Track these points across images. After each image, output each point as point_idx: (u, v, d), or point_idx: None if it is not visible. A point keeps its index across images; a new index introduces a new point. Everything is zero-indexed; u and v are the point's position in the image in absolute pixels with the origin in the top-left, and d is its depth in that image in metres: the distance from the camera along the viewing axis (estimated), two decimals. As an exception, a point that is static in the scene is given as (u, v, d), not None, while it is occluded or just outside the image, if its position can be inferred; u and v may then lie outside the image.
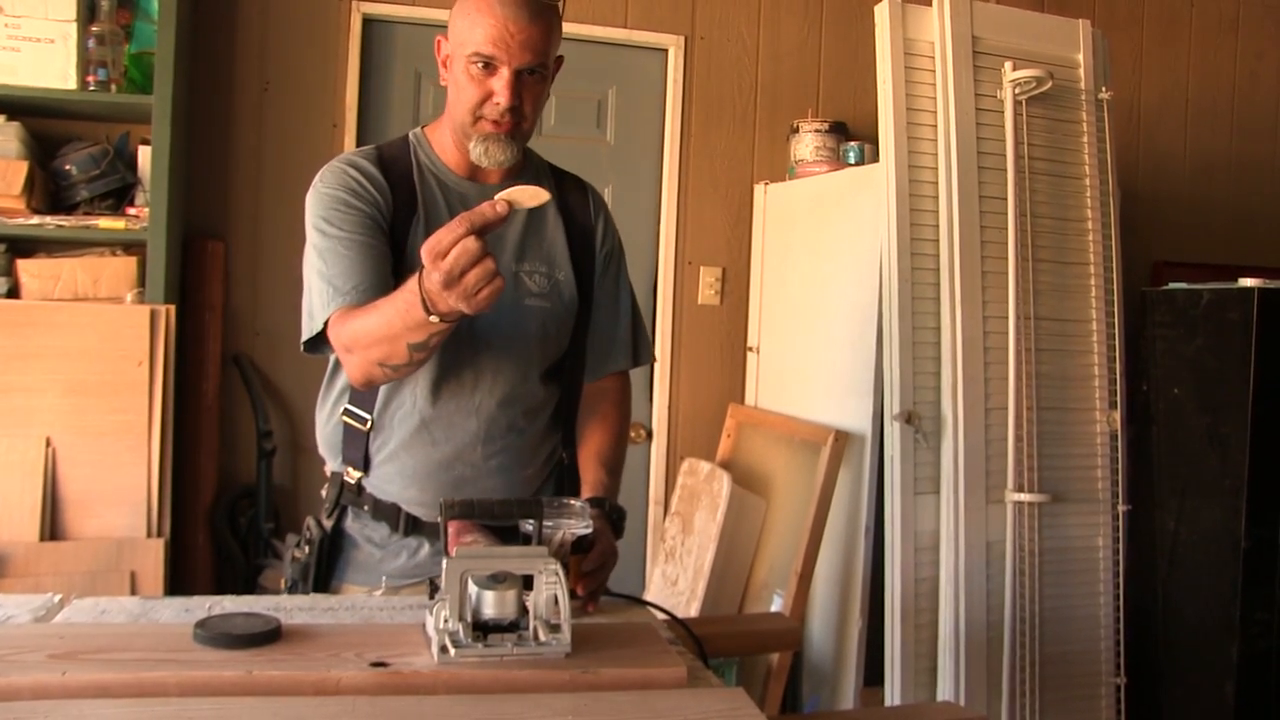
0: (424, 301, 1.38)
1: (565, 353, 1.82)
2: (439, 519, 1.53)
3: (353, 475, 1.76)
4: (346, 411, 1.76)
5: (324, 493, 1.82)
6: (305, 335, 1.67)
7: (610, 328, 1.88)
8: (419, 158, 1.76)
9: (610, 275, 1.88)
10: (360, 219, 1.66)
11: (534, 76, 1.65)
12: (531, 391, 1.77)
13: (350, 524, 1.78)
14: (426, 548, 1.73)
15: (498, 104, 1.63)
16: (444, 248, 1.31)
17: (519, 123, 1.66)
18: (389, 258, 1.66)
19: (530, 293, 1.75)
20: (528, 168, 1.83)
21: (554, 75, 1.73)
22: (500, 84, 1.62)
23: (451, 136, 1.74)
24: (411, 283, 1.40)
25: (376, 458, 1.75)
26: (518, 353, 1.74)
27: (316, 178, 1.72)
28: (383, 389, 1.71)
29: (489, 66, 1.62)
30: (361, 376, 1.60)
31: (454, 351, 1.69)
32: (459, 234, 1.30)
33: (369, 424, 1.73)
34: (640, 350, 1.93)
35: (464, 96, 1.65)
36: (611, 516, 1.68)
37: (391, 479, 1.74)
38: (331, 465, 1.81)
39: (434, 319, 1.40)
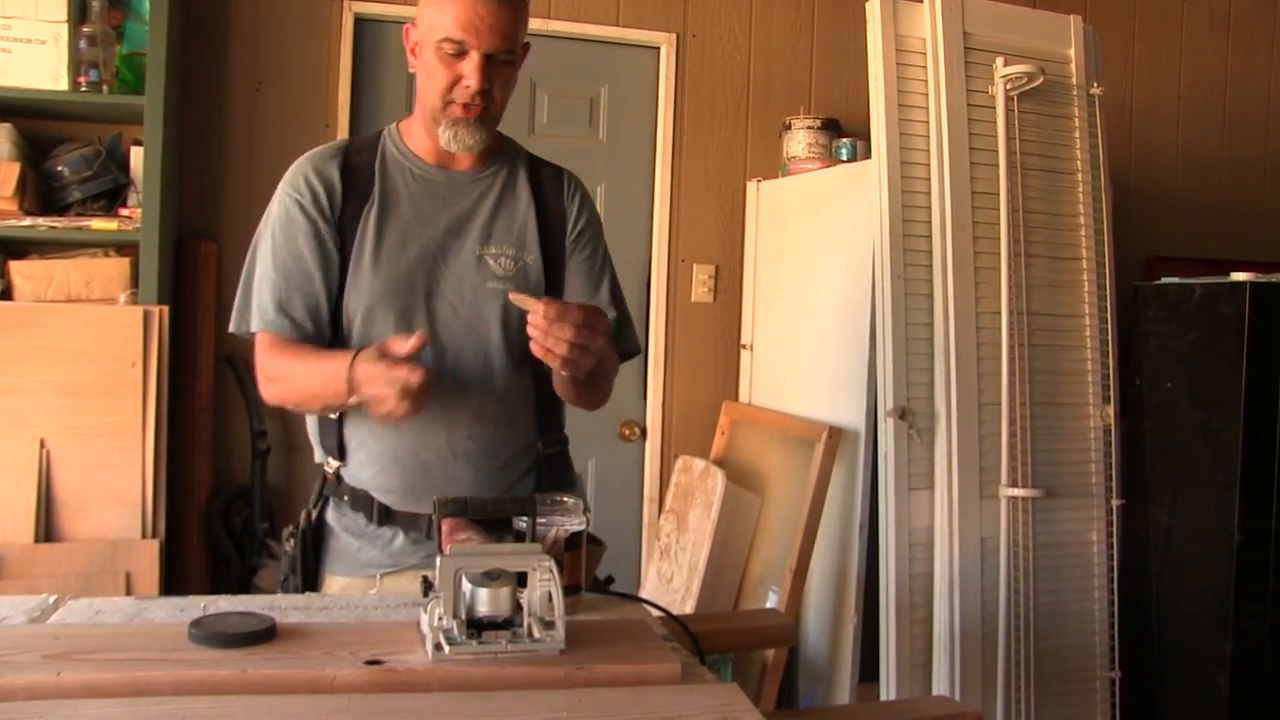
0: (349, 387, 1.54)
1: None
2: (407, 510, 1.65)
3: (332, 465, 1.79)
4: None
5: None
6: (233, 328, 1.78)
7: None
8: (385, 148, 1.80)
9: (582, 256, 1.85)
10: (298, 236, 1.73)
11: (503, 61, 1.68)
12: (498, 377, 1.76)
13: (331, 514, 1.80)
14: (401, 537, 1.75)
15: (468, 87, 1.66)
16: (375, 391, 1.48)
17: (488, 106, 1.69)
18: (322, 268, 1.72)
19: (494, 275, 1.76)
20: (502, 153, 1.84)
21: (522, 61, 1.75)
22: (470, 67, 1.65)
23: (422, 124, 1.77)
24: (341, 366, 1.55)
25: (349, 445, 1.76)
26: (479, 337, 1.74)
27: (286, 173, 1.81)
28: None
29: (459, 51, 1.65)
30: (273, 402, 1.73)
31: (405, 330, 1.69)
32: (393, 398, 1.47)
33: (337, 412, 1.75)
34: (623, 338, 1.87)
35: (433, 82, 1.69)
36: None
37: (364, 466, 1.76)
38: (317, 456, 1.83)
39: (353, 400, 1.55)
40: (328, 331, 1.74)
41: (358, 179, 1.76)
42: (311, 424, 1.83)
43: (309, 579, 1.77)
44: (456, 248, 1.75)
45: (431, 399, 1.49)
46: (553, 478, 1.83)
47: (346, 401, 1.56)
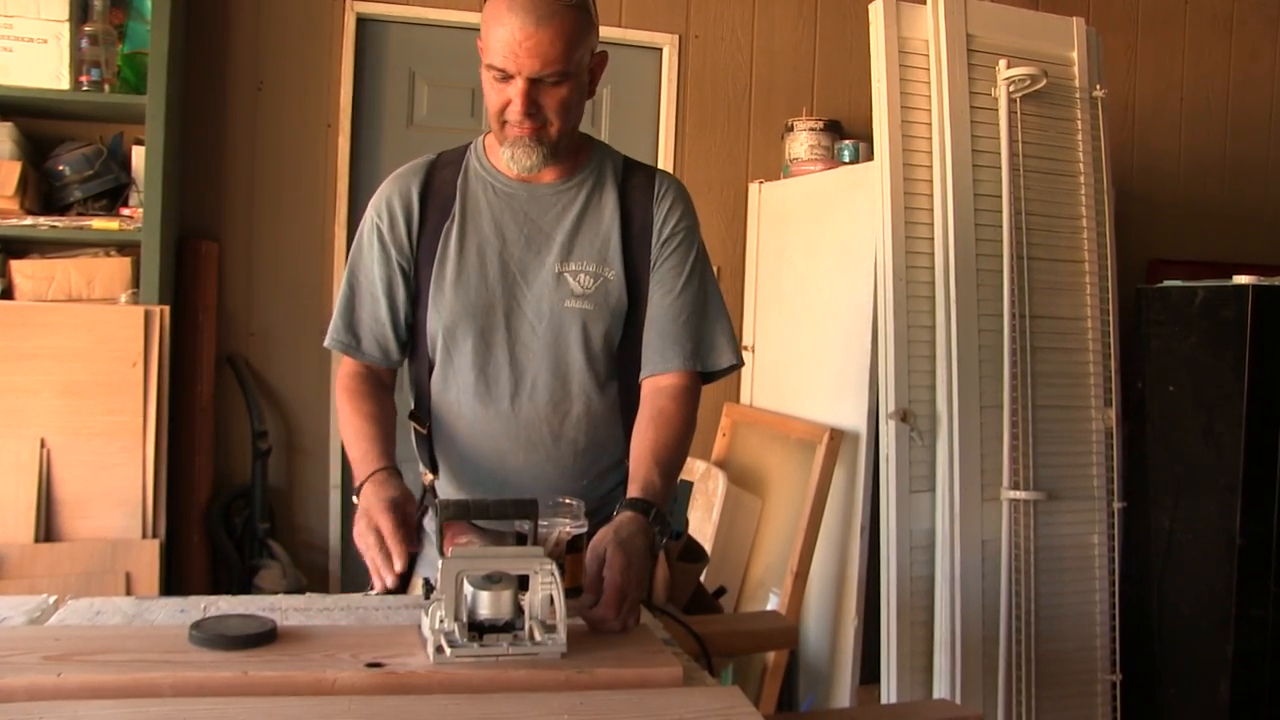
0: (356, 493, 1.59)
1: (629, 358, 1.74)
2: (492, 528, 1.61)
3: (428, 477, 1.81)
4: (411, 415, 1.81)
5: None
6: (325, 342, 1.80)
7: (664, 321, 1.72)
8: (469, 163, 1.76)
9: (669, 265, 1.73)
10: (373, 260, 1.74)
11: (553, 83, 1.59)
12: (578, 399, 1.71)
13: (428, 522, 1.77)
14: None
15: (515, 110, 1.60)
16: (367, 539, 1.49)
17: (543, 127, 1.62)
18: (388, 294, 1.73)
19: (572, 294, 1.70)
20: (589, 163, 1.76)
21: (595, 73, 1.69)
22: (514, 92, 1.58)
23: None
24: (361, 469, 1.61)
25: (440, 461, 1.78)
26: (557, 357, 1.70)
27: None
28: (431, 394, 1.76)
29: (503, 76, 1.59)
30: None
31: (490, 355, 1.70)
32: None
33: (427, 428, 1.77)
34: (706, 353, 1.74)
35: (489, 103, 1.64)
36: (654, 527, 1.49)
37: (450, 483, 1.77)
38: (420, 466, 1.85)
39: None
40: (397, 354, 1.77)
41: (440, 196, 1.73)
42: (410, 437, 1.83)
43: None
44: (537, 265, 1.70)
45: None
46: None
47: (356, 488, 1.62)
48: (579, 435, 1.73)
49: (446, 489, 1.78)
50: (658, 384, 1.71)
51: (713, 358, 1.75)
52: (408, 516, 1.50)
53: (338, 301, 1.77)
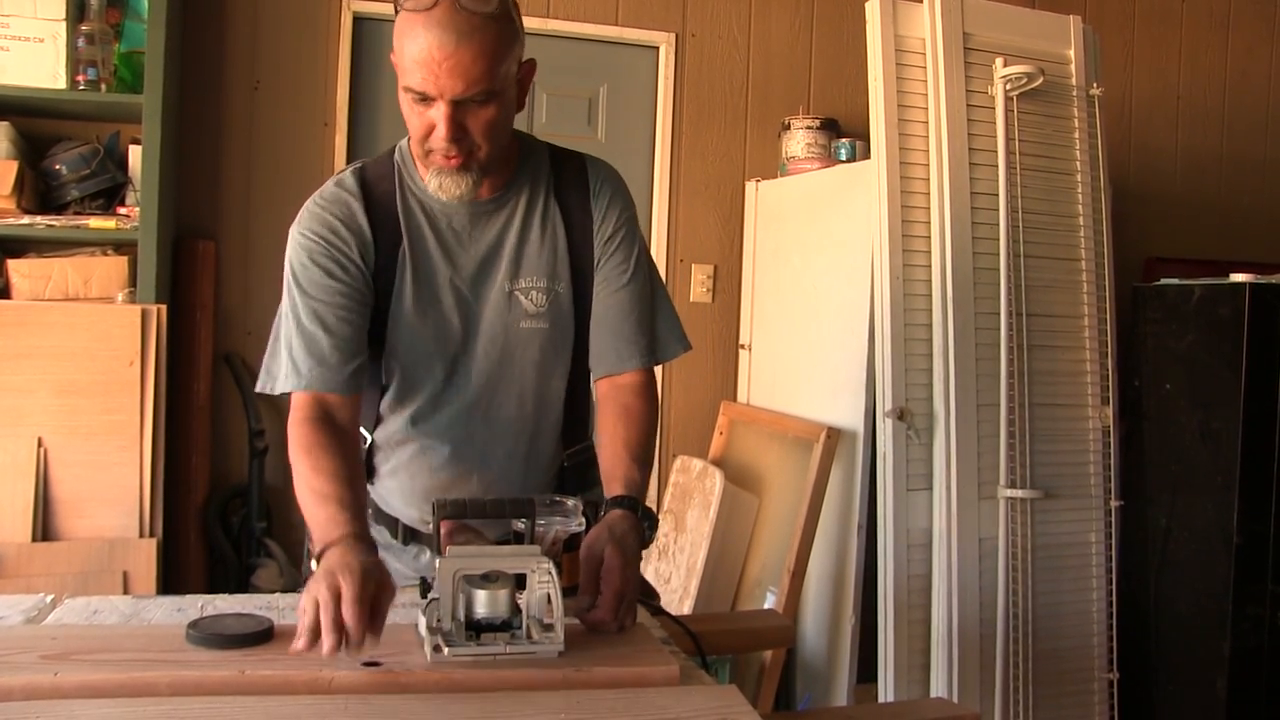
0: (317, 550, 1.35)
1: (578, 359, 1.70)
2: (428, 523, 1.50)
3: None
4: None
5: None
6: (260, 388, 1.63)
7: (616, 319, 1.67)
8: (403, 180, 1.63)
9: (614, 261, 1.67)
10: (329, 284, 1.57)
11: (479, 103, 1.46)
12: (531, 419, 1.69)
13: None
14: (427, 554, 1.69)
15: (440, 137, 1.47)
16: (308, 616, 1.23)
17: (471, 152, 1.49)
18: (358, 316, 1.58)
19: (526, 314, 1.63)
20: (523, 168, 1.65)
21: (524, 83, 1.55)
22: (438, 116, 1.45)
23: None
24: (325, 533, 1.35)
25: (380, 470, 1.72)
26: (514, 380, 1.65)
27: (300, 213, 1.63)
28: (379, 412, 1.68)
29: (424, 98, 1.45)
30: None
31: (447, 383, 1.65)
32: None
33: (368, 443, 1.71)
34: (659, 347, 1.72)
35: (410, 127, 1.52)
36: (642, 522, 1.49)
37: (393, 493, 1.72)
38: None
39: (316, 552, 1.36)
40: (365, 383, 1.61)
41: (386, 222, 1.60)
42: None
43: None
44: (488, 286, 1.62)
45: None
46: (577, 485, 1.73)
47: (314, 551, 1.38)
48: (529, 450, 1.70)
49: (390, 500, 1.72)
50: (616, 382, 1.68)
51: (665, 350, 1.73)
52: (379, 596, 1.25)
53: (288, 338, 1.57)
